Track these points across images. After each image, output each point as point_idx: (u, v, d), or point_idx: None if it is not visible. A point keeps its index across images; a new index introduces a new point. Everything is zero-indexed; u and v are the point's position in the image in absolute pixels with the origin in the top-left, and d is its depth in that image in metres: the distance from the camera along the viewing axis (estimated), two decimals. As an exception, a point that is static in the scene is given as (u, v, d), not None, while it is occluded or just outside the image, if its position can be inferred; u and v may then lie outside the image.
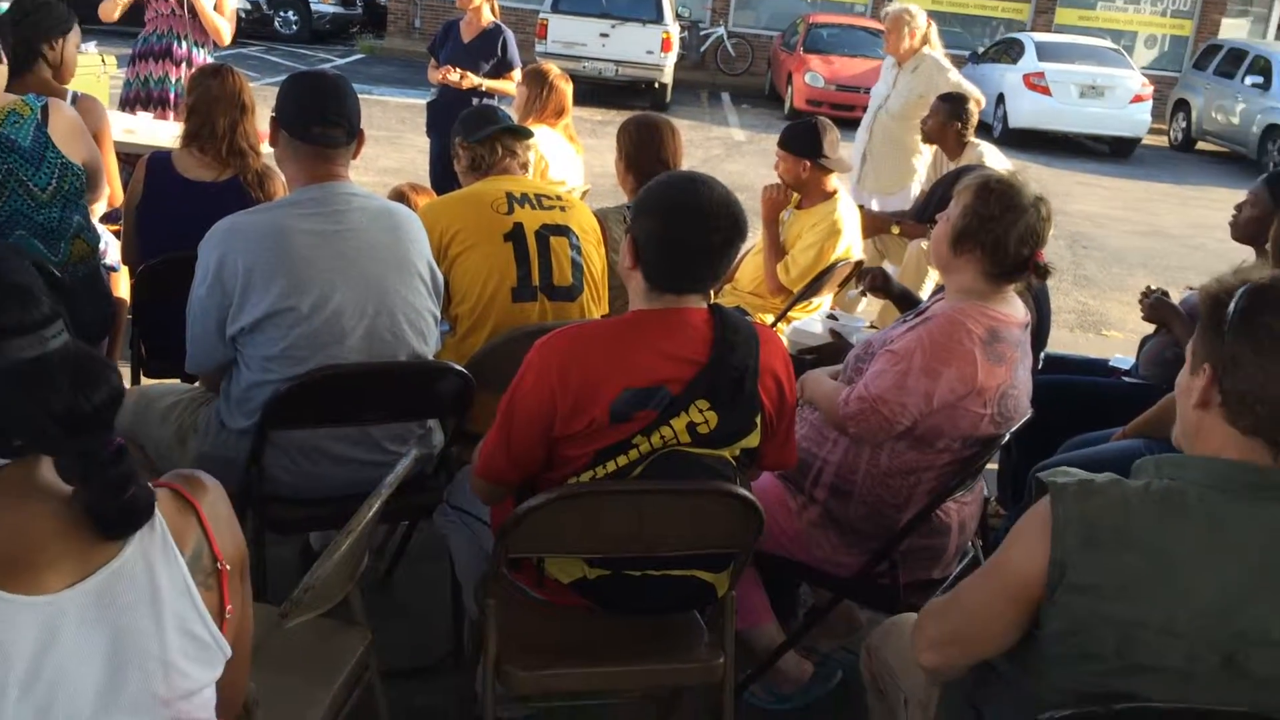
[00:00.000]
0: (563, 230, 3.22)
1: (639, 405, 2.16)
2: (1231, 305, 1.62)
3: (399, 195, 4.05)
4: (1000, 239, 2.56)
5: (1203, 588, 1.58)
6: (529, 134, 3.49)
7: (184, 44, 5.86)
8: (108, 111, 4.21)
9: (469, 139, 3.38)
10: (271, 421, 2.58)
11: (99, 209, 3.63)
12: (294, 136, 2.66)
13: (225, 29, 5.97)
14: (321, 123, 2.64)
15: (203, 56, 5.91)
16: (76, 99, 3.84)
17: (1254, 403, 1.60)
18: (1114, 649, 1.61)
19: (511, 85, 6.16)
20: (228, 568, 1.41)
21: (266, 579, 2.62)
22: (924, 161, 6.05)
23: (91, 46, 5.38)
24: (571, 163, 5.26)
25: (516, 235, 3.14)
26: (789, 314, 4.29)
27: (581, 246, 3.26)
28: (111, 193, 3.81)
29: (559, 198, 3.34)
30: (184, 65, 5.83)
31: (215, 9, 5.89)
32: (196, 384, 2.97)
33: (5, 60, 3.67)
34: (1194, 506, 1.61)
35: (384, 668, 2.38)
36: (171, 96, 5.86)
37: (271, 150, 2.83)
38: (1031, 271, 2.62)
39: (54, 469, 1.30)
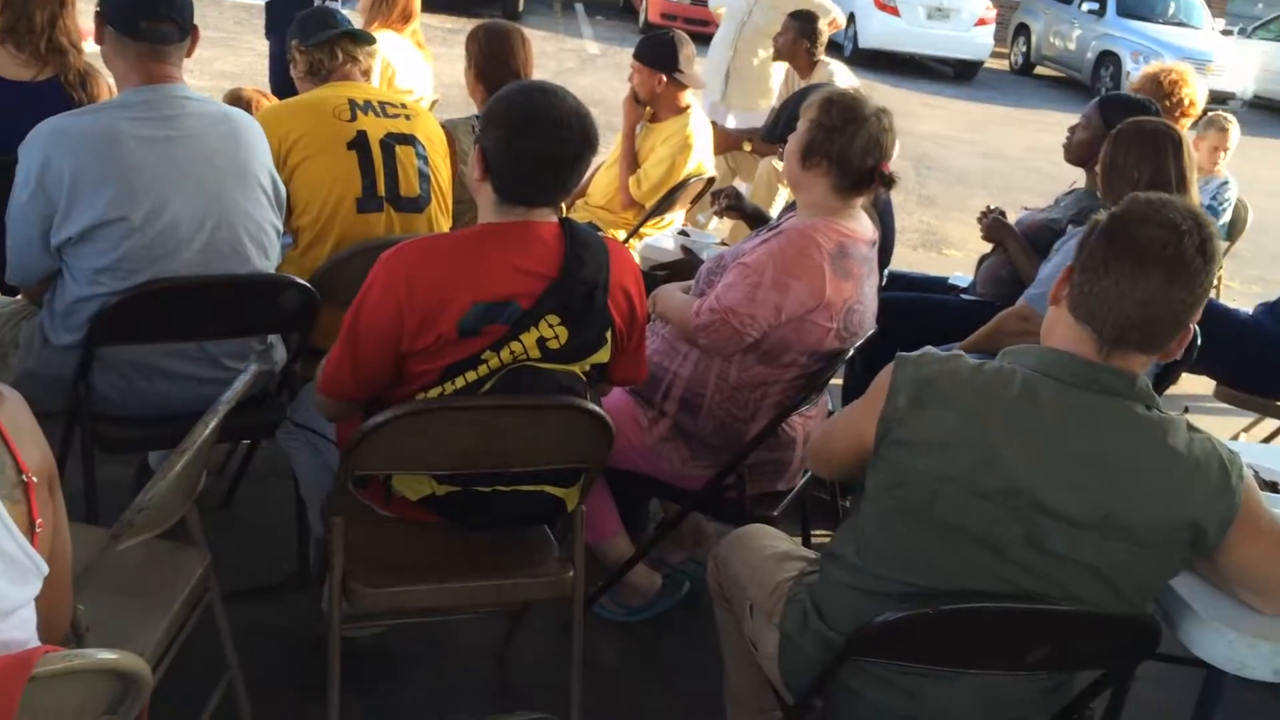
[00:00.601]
0: (408, 139, 3.12)
1: (488, 320, 2.13)
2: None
3: (237, 100, 3.86)
4: (845, 149, 2.61)
5: (1011, 457, 1.70)
6: (371, 40, 3.35)
7: None
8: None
9: (306, 42, 3.23)
10: (98, 337, 2.46)
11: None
12: (122, 33, 2.49)
13: None
14: (152, 17, 2.49)
15: None
16: None
17: (1090, 291, 1.72)
18: (926, 502, 1.74)
19: (355, -14, 5.91)
20: (34, 479, 1.36)
21: (98, 501, 2.52)
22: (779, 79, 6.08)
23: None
24: (420, 71, 5.10)
25: (360, 144, 3.03)
26: (641, 230, 4.29)
27: (428, 156, 3.17)
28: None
29: (404, 105, 3.23)
30: None
31: None
32: (17, 296, 2.81)
33: None
34: (1019, 385, 1.73)
35: (227, 589, 2.33)
36: None
37: (97, 49, 2.66)
38: (878, 182, 2.67)
39: None
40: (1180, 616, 1.86)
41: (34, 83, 3.23)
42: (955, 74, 16.04)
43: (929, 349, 1.85)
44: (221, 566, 2.29)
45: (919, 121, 11.87)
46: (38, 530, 1.36)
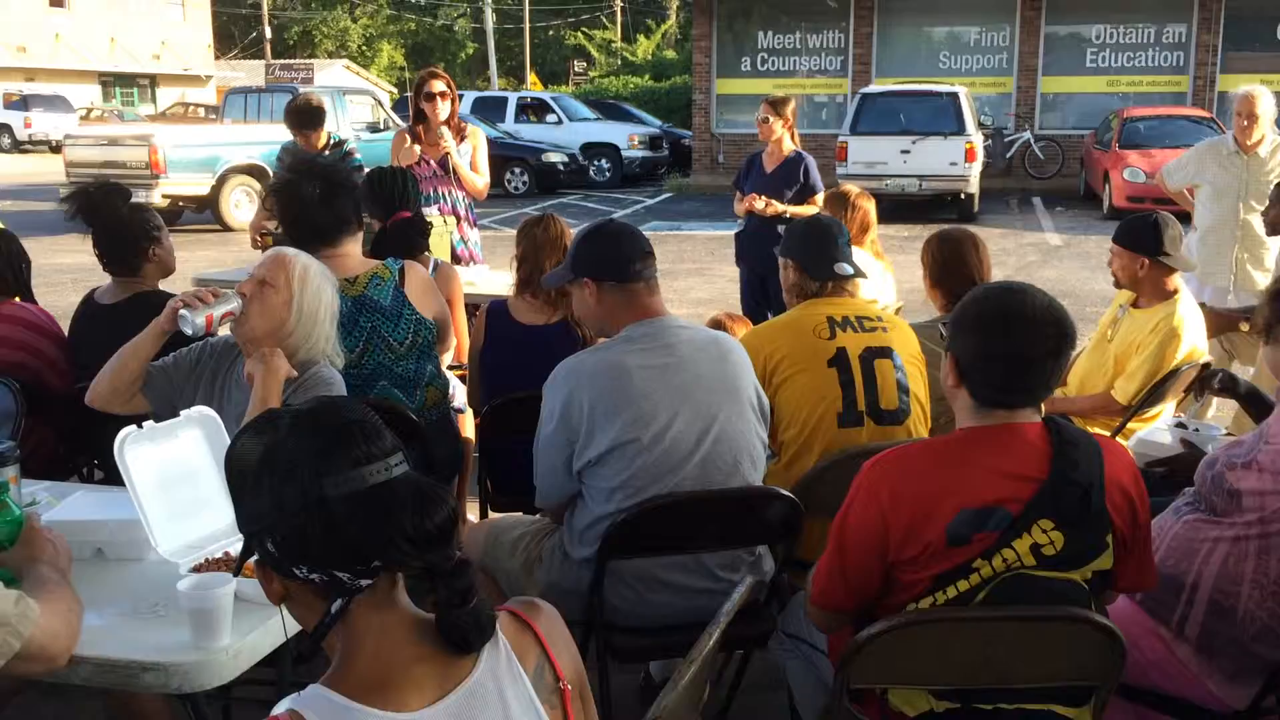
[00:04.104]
0: (886, 352, 3.19)
1: (977, 527, 2.09)
2: None
3: (717, 324, 4.15)
4: None
5: None
6: (861, 274, 3.41)
7: (448, 200, 6.05)
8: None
9: (809, 271, 3.29)
10: (611, 551, 2.66)
11: (446, 359, 3.95)
12: (620, 280, 2.76)
13: (481, 183, 6.16)
14: (643, 257, 2.78)
15: (465, 208, 6.15)
16: (438, 266, 4.25)
17: None
18: None
19: (815, 210, 6.23)
20: (569, 687, 1.47)
21: (612, 710, 2.66)
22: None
23: (433, 210, 5.87)
24: (882, 280, 5.24)
25: (840, 360, 3.13)
26: (1127, 426, 4.02)
27: (905, 367, 3.21)
28: (459, 345, 4.14)
29: (880, 318, 3.30)
30: (457, 220, 6.03)
31: (470, 167, 6.10)
32: (539, 515, 3.09)
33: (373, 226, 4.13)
34: None
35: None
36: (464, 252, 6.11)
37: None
38: None
39: (405, 592, 1.41)
40: None
41: (548, 325, 3.69)
42: None
43: None
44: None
45: None
46: None
